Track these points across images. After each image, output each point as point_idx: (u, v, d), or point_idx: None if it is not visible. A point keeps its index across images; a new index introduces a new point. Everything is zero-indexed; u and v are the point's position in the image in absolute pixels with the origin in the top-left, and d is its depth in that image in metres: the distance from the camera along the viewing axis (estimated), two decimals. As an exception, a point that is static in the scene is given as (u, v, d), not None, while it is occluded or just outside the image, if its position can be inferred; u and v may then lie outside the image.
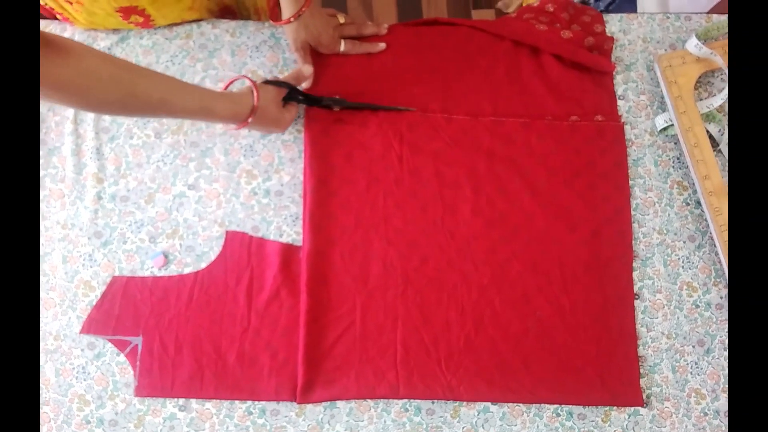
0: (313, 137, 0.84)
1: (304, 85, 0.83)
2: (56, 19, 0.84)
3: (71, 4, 0.77)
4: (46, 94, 0.57)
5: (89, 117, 0.84)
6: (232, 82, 0.81)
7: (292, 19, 0.77)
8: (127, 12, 0.80)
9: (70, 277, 0.80)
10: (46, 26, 0.86)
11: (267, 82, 0.78)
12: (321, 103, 0.83)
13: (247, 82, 0.75)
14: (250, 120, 0.74)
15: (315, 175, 0.83)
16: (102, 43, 0.86)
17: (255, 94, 0.73)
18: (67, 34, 0.86)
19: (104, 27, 0.86)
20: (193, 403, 0.78)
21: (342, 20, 0.87)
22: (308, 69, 0.81)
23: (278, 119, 0.79)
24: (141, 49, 0.87)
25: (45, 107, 0.85)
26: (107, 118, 0.85)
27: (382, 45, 0.88)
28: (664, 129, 0.86)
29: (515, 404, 0.79)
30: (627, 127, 0.87)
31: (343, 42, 0.86)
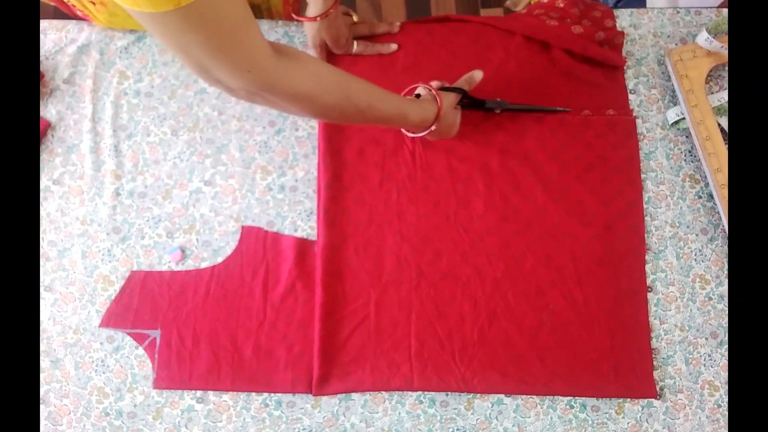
0: (326, 133, 0.85)
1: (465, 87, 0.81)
2: (77, 16, 0.85)
3: (94, 4, 0.78)
4: (283, 100, 0.58)
5: (107, 115, 0.86)
6: (409, 90, 0.80)
7: (318, 18, 0.78)
8: None
9: (89, 271, 0.82)
10: (64, 26, 0.88)
11: (441, 89, 0.78)
12: (484, 106, 0.84)
13: (426, 89, 0.76)
14: (433, 127, 0.75)
15: (329, 171, 0.84)
16: (119, 42, 0.88)
17: (438, 100, 0.74)
18: (84, 33, 0.88)
19: (123, 27, 0.87)
20: (211, 395, 0.79)
21: (355, 19, 0.88)
22: (479, 73, 0.81)
23: (453, 124, 0.80)
24: (157, 49, 0.88)
25: (63, 105, 0.86)
26: (124, 116, 0.86)
27: (394, 46, 0.88)
28: (676, 122, 0.86)
29: (529, 396, 0.79)
30: (638, 121, 0.87)
31: (355, 43, 0.87)
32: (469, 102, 0.82)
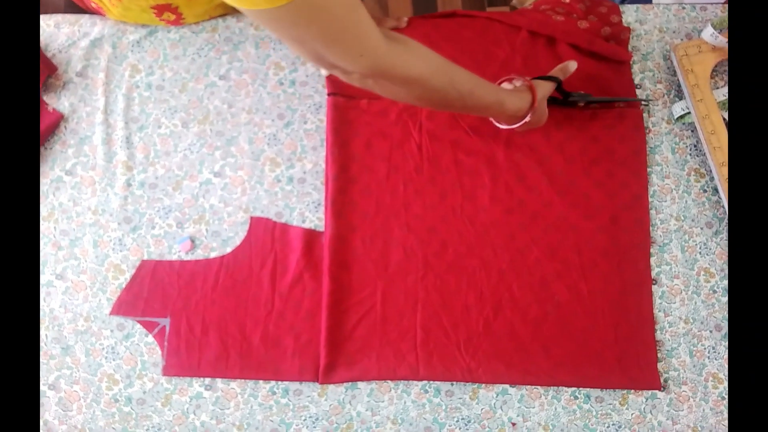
0: (334, 126, 0.86)
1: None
2: (90, 8, 0.87)
3: (109, -3, 0.80)
4: (394, 83, 0.60)
5: (119, 107, 0.87)
6: (502, 82, 0.80)
7: None
8: (161, 9, 0.83)
9: (100, 260, 0.83)
10: (77, 20, 0.90)
11: (536, 78, 0.77)
12: (568, 99, 0.84)
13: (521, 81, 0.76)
14: (528, 117, 0.74)
15: (336, 163, 0.85)
16: (131, 36, 0.89)
17: (533, 91, 0.74)
18: (97, 27, 0.89)
19: (135, 22, 0.89)
20: (219, 382, 0.80)
21: (363, 13, 0.89)
22: (573, 63, 0.80)
23: (543, 113, 0.78)
24: (169, 42, 0.90)
25: (76, 97, 0.88)
26: (136, 108, 0.88)
27: None
28: (681, 117, 0.87)
29: (533, 387, 0.80)
30: (644, 115, 0.88)
31: None
32: (559, 94, 0.81)
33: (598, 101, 0.86)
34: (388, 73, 0.59)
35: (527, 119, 0.75)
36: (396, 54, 0.58)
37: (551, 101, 0.83)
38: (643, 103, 0.88)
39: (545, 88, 0.77)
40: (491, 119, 0.82)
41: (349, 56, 0.55)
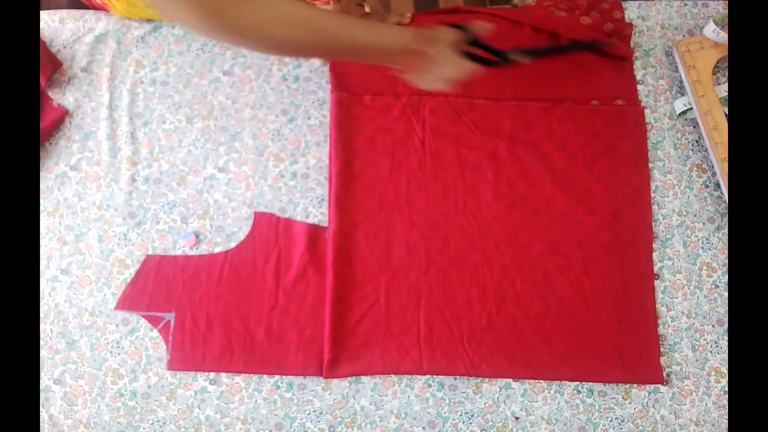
0: (338, 122, 0.86)
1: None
2: (95, 5, 0.87)
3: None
4: (230, 38, 0.56)
5: (123, 103, 0.88)
6: None
7: (332, 2, 0.79)
8: None
9: (105, 255, 0.84)
10: (81, 15, 0.90)
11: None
12: (507, 58, 0.75)
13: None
14: (433, 50, 0.66)
15: (340, 159, 0.85)
16: (136, 32, 0.90)
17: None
18: (102, 23, 0.90)
19: (140, 17, 0.89)
20: (223, 377, 0.80)
21: (367, 10, 0.89)
22: (485, 23, 0.72)
23: (455, 62, 0.69)
24: (173, 38, 0.90)
25: (81, 93, 0.88)
26: (141, 104, 0.88)
27: None
28: (683, 113, 0.87)
29: (536, 381, 0.80)
30: (646, 111, 0.88)
31: None
32: (489, 58, 0.74)
33: (546, 51, 0.83)
34: (226, 27, 0.54)
35: (433, 52, 0.66)
36: (238, 8, 0.53)
37: (491, 64, 0.74)
38: (608, 51, 0.85)
39: (453, 34, 0.69)
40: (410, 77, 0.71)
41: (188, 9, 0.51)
